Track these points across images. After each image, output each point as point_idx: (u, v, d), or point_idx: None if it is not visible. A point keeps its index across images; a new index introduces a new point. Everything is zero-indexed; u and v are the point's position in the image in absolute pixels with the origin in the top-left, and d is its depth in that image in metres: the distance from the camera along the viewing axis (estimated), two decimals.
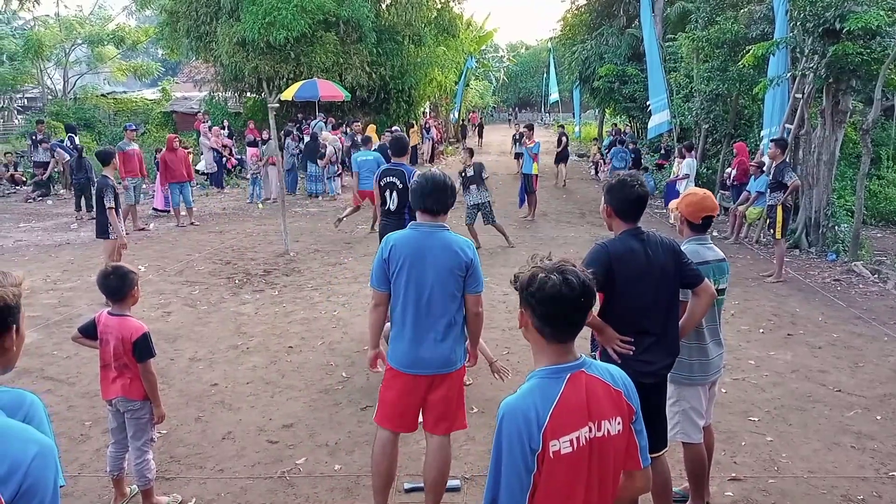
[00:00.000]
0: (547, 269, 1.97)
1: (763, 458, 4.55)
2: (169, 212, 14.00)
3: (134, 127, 14.82)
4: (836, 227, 11.10)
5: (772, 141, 9.77)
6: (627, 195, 3.30)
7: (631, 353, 3.23)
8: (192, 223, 13.28)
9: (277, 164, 13.10)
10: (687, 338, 3.60)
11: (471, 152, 11.79)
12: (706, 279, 3.41)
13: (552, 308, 1.96)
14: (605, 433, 1.99)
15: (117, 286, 3.77)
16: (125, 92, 34.39)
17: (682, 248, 3.61)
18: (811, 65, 10.57)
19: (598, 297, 3.32)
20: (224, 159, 18.63)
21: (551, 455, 1.89)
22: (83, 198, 14.22)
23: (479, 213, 11.06)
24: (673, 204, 3.94)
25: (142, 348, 3.74)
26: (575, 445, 1.92)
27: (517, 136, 24.90)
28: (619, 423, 2.02)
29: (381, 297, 3.59)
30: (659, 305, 3.29)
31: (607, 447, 1.99)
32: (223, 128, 19.42)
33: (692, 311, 3.43)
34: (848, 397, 5.53)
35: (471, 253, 3.55)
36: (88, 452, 4.58)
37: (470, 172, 11.04)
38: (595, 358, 3.34)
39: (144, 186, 16.63)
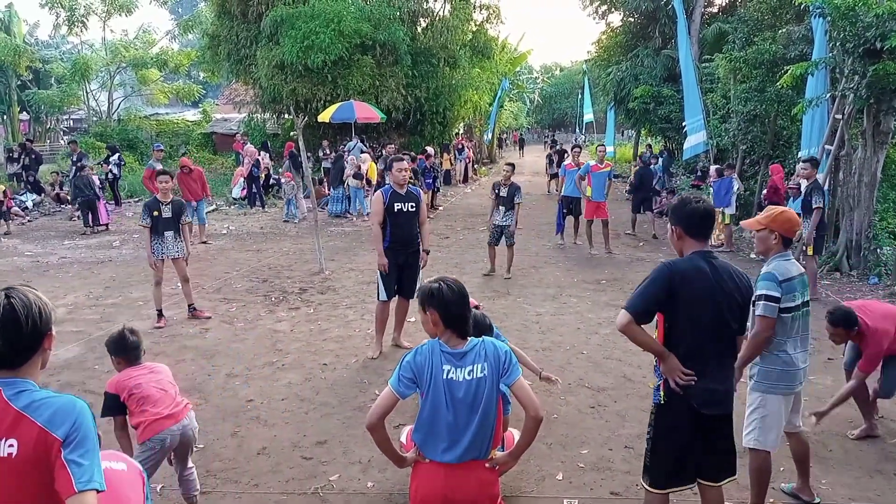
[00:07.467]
0: None
1: None
2: None
3: (161, 147, 15.43)
4: (878, 250, 10.86)
5: (804, 161, 9.70)
6: (693, 211, 3.31)
7: (692, 383, 3.20)
8: (203, 241, 13.29)
9: (309, 185, 13.30)
10: (772, 346, 3.71)
11: (512, 168, 11.18)
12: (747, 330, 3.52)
13: None
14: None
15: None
16: (167, 113, 35.31)
17: (770, 267, 3.73)
18: (851, 85, 10.41)
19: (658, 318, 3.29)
20: (262, 180, 19.06)
21: None
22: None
23: (503, 236, 10.49)
24: (750, 223, 3.94)
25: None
26: None
27: (552, 157, 24.95)
28: (11, 447, 1.87)
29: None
30: (722, 335, 3.26)
31: None
32: (260, 150, 19.84)
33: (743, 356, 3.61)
34: (891, 424, 5.39)
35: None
36: None
37: (503, 193, 10.46)
38: (659, 387, 3.33)
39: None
